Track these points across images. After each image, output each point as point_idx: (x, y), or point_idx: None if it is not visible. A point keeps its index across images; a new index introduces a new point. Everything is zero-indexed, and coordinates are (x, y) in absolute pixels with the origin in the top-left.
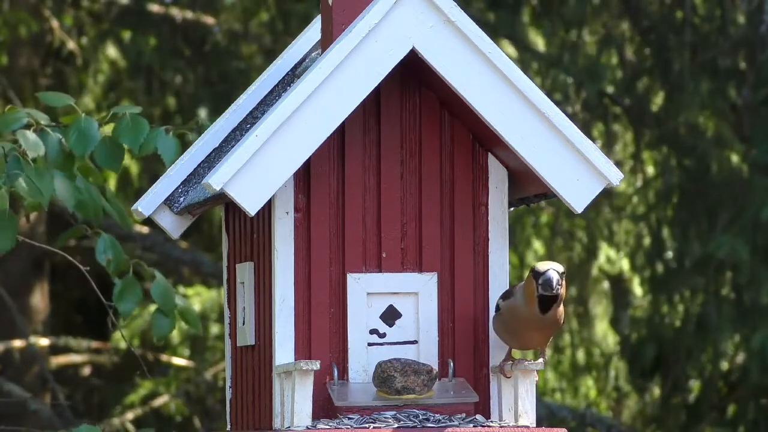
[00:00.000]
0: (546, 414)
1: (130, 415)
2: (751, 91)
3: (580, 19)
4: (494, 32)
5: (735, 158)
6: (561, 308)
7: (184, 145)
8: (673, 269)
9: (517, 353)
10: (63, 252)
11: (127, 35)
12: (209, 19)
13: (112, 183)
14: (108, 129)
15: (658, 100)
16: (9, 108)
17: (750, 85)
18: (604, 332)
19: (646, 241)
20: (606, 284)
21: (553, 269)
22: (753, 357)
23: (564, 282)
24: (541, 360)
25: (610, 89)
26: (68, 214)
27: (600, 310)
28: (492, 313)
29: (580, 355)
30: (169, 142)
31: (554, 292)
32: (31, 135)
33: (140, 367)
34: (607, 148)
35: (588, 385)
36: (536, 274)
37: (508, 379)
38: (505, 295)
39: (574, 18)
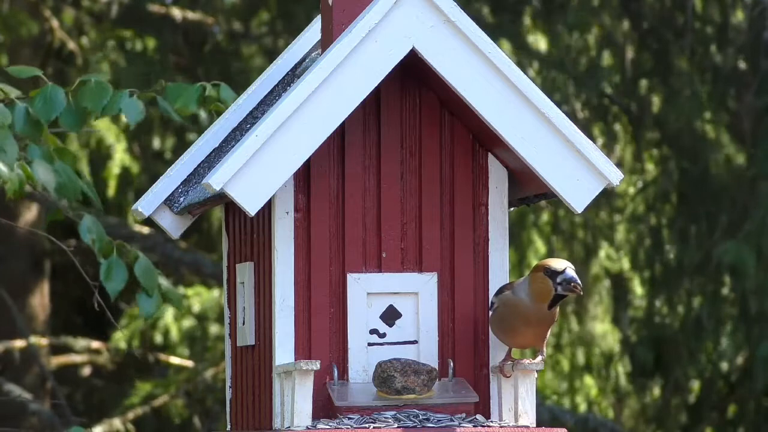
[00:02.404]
0: (548, 418)
1: (130, 415)
2: (755, 97)
3: (581, 20)
4: (495, 34)
5: (734, 160)
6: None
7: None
8: (673, 269)
9: (516, 353)
10: (56, 241)
11: (128, 36)
12: (209, 20)
13: (112, 184)
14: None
15: (657, 101)
16: None
17: (753, 91)
18: (604, 331)
19: (647, 241)
20: (607, 283)
21: (569, 267)
22: (759, 365)
23: None
24: (540, 358)
25: (609, 90)
26: (57, 202)
27: (600, 309)
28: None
29: (581, 355)
30: (133, 104)
31: (581, 290)
32: None
33: (140, 366)
34: (608, 148)
35: (589, 384)
36: (552, 273)
37: (507, 379)
38: (499, 292)
39: (576, 20)
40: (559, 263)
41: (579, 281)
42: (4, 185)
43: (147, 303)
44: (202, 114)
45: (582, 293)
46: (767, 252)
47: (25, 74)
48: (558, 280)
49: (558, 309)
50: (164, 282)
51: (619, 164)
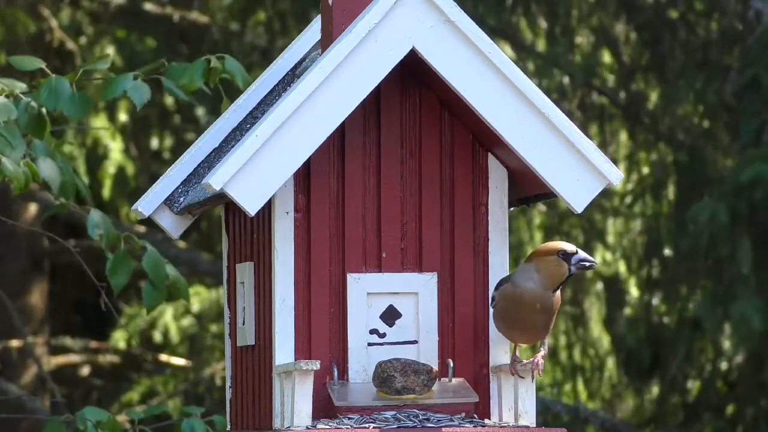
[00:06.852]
0: (541, 409)
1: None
2: (738, 74)
3: (577, 16)
4: (493, 32)
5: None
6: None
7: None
8: (670, 268)
9: (524, 354)
10: (59, 239)
11: (125, 35)
12: (207, 19)
13: (108, 184)
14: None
15: (653, 98)
16: None
17: (738, 68)
18: (598, 334)
19: (642, 239)
20: (600, 285)
21: (578, 248)
22: None
23: None
24: (542, 353)
25: (605, 88)
26: (55, 199)
27: (595, 311)
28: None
29: (576, 356)
30: (138, 87)
31: (595, 265)
32: (1, 99)
33: (139, 365)
34: (604, 147)
35: (581, 388)
36: (567, 256)
37: (508, 379)
38: (498, 285)
39: (570, 17)
40: (570, 245)
41: (592, 257)
42: (9, 182)
43: (152, 294)
44: (209, 92)
45: (596, 267)
46: None
47: (29, 66)
48: (573, 261)
49: (560, 294)
50: (172, 272)
51: (615, 163)
